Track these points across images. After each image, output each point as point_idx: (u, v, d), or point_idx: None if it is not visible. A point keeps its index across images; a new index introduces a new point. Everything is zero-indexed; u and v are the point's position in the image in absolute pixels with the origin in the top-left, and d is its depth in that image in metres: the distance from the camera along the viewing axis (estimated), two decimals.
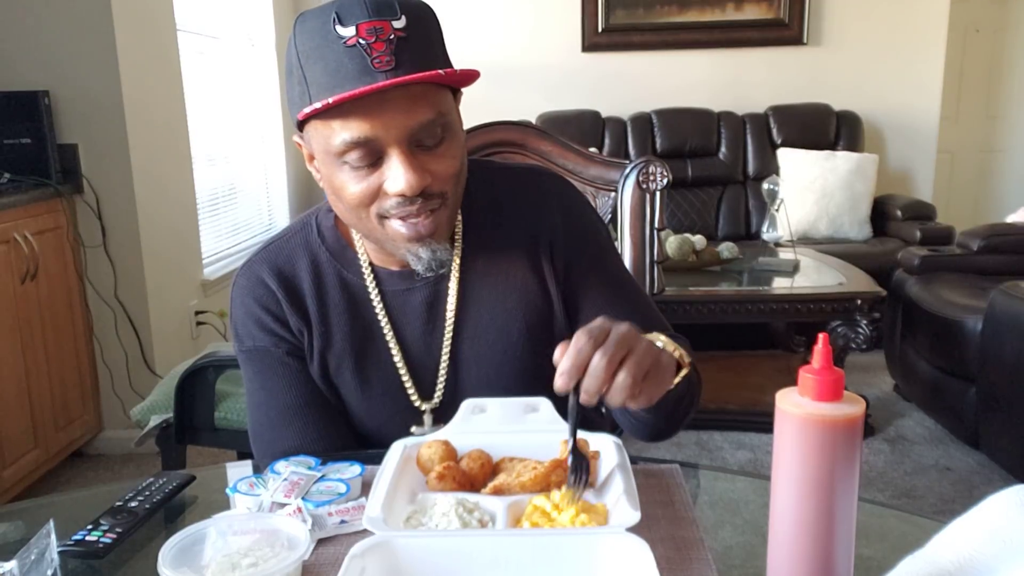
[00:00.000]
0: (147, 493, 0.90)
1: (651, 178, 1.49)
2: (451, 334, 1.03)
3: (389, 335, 1.03)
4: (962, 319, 2.71)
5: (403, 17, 0.86)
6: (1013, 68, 5.12)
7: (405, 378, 1.04)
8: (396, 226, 0.93)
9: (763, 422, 2.95)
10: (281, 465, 0.89)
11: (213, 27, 3.63)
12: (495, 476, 0.87)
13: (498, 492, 0.83)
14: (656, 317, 1.08)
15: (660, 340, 0.86)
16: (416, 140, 0.89)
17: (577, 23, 4.41)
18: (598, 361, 0.75)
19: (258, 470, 0.93)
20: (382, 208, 0.91)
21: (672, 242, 3.15)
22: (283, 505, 0.82)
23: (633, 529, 0.72)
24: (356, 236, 1.04)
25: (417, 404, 1.05)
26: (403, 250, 0.95)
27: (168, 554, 0.69)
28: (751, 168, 4.37)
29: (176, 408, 1.93)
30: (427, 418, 1.05)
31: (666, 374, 0.82)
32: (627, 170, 1.49)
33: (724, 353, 3.66)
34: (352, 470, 0.89)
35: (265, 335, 1.04)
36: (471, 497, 0.82)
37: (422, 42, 0.88)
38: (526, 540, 0.73)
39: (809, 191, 4.13)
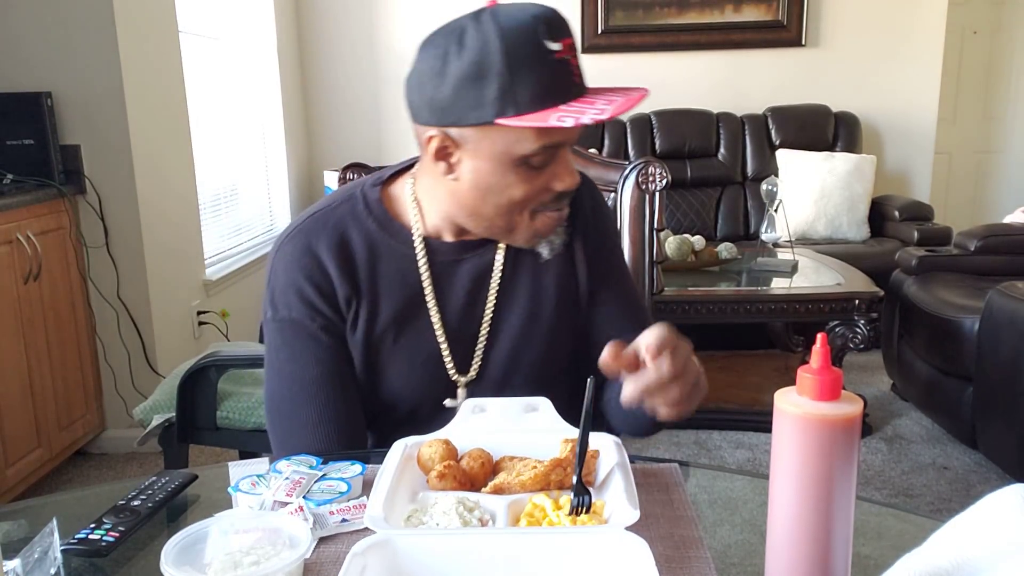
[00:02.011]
0: (149, 492, 0.91)
1: (650, 179, 1.49)
2: (493, 307, 1.07)
3: (432, 305, 1.06)
4: (959, 319, 2.72)
5: None
6: (1010, 69, 5.13)
7: (444, 348, 1.06)
8: (546, 220, 1.00)
9: (762, 421, 2.96)
10: (283, 464, 0.90)
11: (215, 28, 3.63)
12: (495, 475, 0.88)
13: (498, 491, 0.84)
14: (647, 314, 1.18)
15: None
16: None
17: (577, 25, 4.42)
18: (676, 384, 0.83)
19: (259, 463, 0.93)
20: (541, 203, 0.99)
21: (671, 242, 3.15)
22: (285, 504, 0.82)
23: (632, 528, 0.73)
24: (411, 205, 1.06)
25: (453, 377, 1.07)
26: (540, 239, 1.03)
27: (170, 552, 0.69)
28: (750, 169, 4.38)
29: (178, 407, 1.93)
30: (461, 392, 1.08)
31: (701, 398, 0.90)
32: (626, 171, 1.50)
33: (723, 353, 3.67)
34: (353, 469, 0.89)
35: (304, 307, 1.04)
36: (471, 496, 0.83)
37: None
38: (526, 539, 0.74)
39: (807, 192, 4.13)
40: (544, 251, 1.05)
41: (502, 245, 1.08)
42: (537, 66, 0.89)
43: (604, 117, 0.89)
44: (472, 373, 1.08)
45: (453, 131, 0.95)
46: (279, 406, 1.07)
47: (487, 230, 1.03)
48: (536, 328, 1.09)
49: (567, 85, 0.91)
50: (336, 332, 1.06)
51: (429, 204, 1.06)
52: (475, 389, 1.07)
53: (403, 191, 1.08)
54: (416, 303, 1.06)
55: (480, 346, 1.08)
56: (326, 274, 1.04)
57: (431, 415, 1.04)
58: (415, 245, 1.06)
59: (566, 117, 0.89)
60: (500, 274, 1.08)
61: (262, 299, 1.09)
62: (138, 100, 2.83)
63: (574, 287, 1.11)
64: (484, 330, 1.07)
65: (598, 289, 1.13)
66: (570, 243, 1.10)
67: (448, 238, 1.07)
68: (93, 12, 2.70)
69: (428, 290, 1.06)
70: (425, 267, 1.06)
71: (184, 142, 3.20)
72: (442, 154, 0.97)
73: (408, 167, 1.12)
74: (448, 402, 1.07)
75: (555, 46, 0.90)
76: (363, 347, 1.06)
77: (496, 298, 1.07)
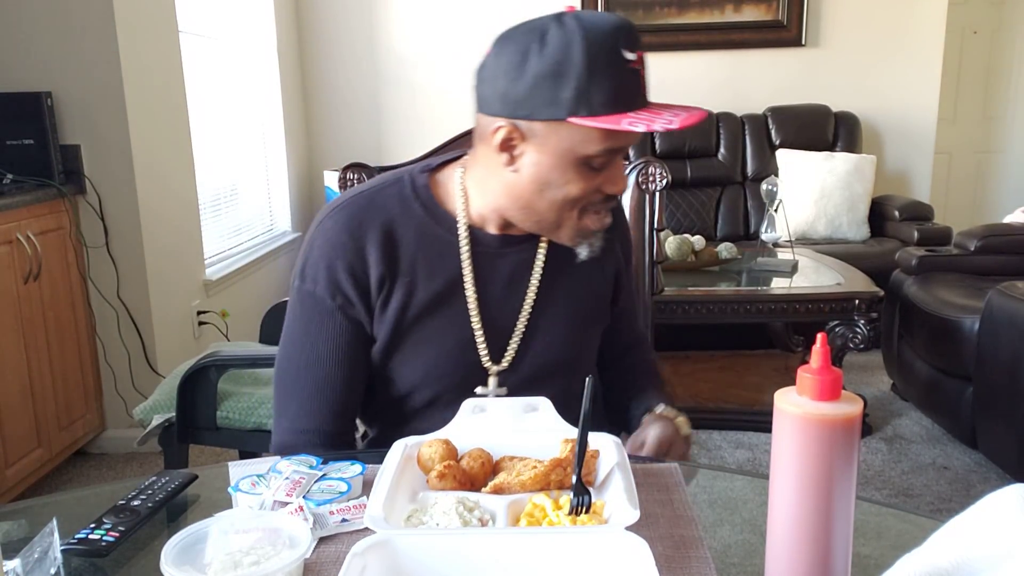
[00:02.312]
0: (149, 492, 0.91)
1: (650, 179, 1.49)
2: (532, 303, 1.11)
3: (470, 292, 1.09)
4: (959, 319, 2.72)
5: None
6: (1010, 69, 5.13)
7: (479, 335, 1.09)
8: (592, 222, 1.05)
9: (762, 421, 2.96)
10: (283, 464, 0.90)
11: (215, 29, 3.63)
12: (495, 475, 0.88)
13: (498, 491, 0.84)
14: (640, 319, 1.35)
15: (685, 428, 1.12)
16: None
17: None
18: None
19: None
20: (590, 203, 1.03)
21: (671, 242, 3.15)
22: (285, 504, 0.83)
23: (632, 528, 0.73)
24: (459, 195, 1.09)
25: (486, 365, 1.10)
26: (581, 239, 1.06)
27: (170, 552, 0.69)
28: (750, 169, 4.37)
29: (178, 407, 1.93)
30: (492, 380, 1.10)
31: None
32: (627, 171, 1.50)
33: (723, 353, 3.67)
34: (353, 469, 0.89)
35: (329, 284, 1.07)
36: (472, 496, 0.83)
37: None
38: (526, 539, 0.74)
39: (807, 192, 4.13)
40: (583, 251, 1.08)
41: (543, 245, 1.12)
42: (613, 72, 0.93)
43: (673, 127, 0.93)
44: (505, 364, 1.10)
45: (523, 124, 0.98)
46: (285, 370, 1.11)
47: (536, 224, 1.06)
48: (571, 329, 1.13)
49: (636, 94, 0.95)
50: (354, 316, 1.08)
51: (478, 194, 1.08)
52: (506, 379, 1.10)
53: (451, 179, 1.11)
54: (454, 289, 1.08)
55: (515, 339, 1.11)
56: (362, 254, 1.06)
57: (455, 400, 1.06)
58: (459, 233, 1.09)
59: (637, 123, 0.92)
60: (540, 272, 1.11)
61: (295, 266, 1.13)
62: (138, 100, 2.83)
63: (602, 294, 1.19)
64: (521, 324, 1.11)
65: (624, 295, 1.23)
66: (600, 253, 1.13)
67: (491, 230, 1.10)
68: (93, 12, 2.70)
69: (468, 277, 1.08)
70: (467, 254, 1.08)
71: (184, 142, 3.20)
72: (507, 145, 1.00)
73: (457, 158, 1.14)
74: (480, 390, 1.09)
75: (631, 56, 0.94)
76: (394, 326, 1.08)
77: (536, 295, 1.11)
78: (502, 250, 1.10)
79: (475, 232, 1.10)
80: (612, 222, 1.14)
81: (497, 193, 1.05)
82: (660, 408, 1.14)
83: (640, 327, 1.34)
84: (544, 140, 0.98)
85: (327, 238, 1.08)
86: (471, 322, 1.08)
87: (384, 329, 1.08)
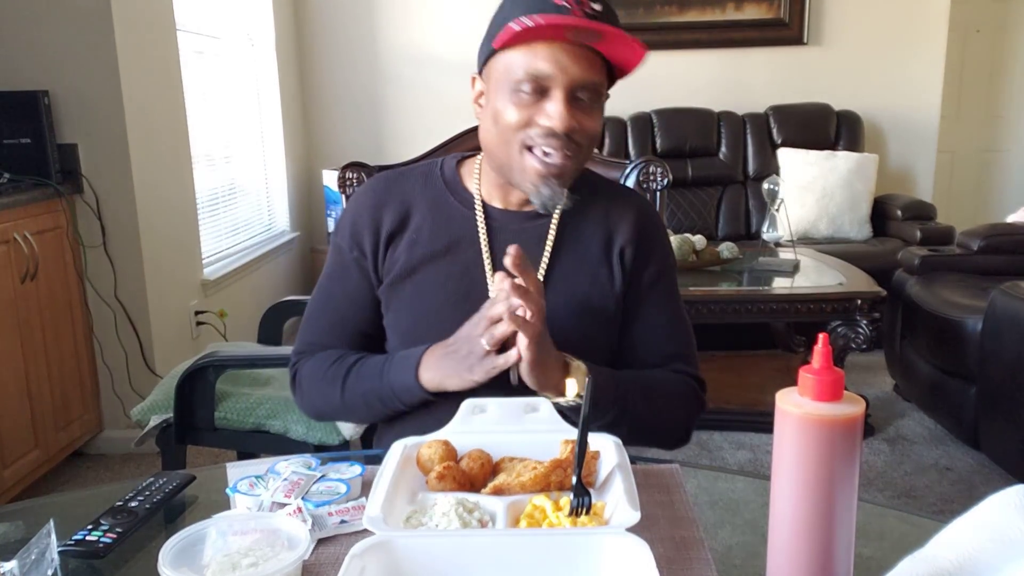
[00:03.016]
0: (147, 493, 0.91)
1: (651, 178, 1.49)
2: (543, 277, 1.15)
3: (486, 258, 1.16)
4: (962, 319, 2.72)
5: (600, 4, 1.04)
6: (1014, 68, 5.13)
7: (491, 290, 1.14)
8: (533, 161, 1.08)
9: (763, 422, 2.95)
10: (282, 465, 0.90)
11: (213, 27, 3.63)
12: (495, 476, 0.88)
13: (498, 492, 0.83)
14: (688, 350, 1.23)
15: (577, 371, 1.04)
16: (575, 93, 1.06)
17: None
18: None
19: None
20: (529, 136, 1.07)
21: (672, 242, 3.14)
22: (283, 505, 0.82)
23: (633, 529, 0.72)
24: (475, 175, 1.20)
25: None
26: (528, 183, 1.10)
27: (168, 554, 0.69)
28: (751, 168, 4.37)
29: (176, 408, 1.92)
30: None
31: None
32: (627, 170, 1.50)
33: (724, 353, 3.67)
34: (352, 470, 0.89)
35: (349, 237, 1.20)
36: (471, 497, 0.82)
37: (613, 17, 1.06)
38: (526, 540, 0.73)
39: (809, 191, 4.13)
40: (536, 202, 1.12)
41: (552, 229, 1.16)
42: (533, 5, 1.02)
43: (543, 22, 0.98)
44: None
45: (483, 73, 1.12)
46: (313, 301, 1.26)
47: (499, 168, 1.13)
48: (576, 316, 1.15)
49: (557, 7, 1.01)
50: (365, 269, 1.19)
51: (486, 171, 1.19)
52: None
53: (474, 163, 1.22)
54: (454, 249, 1.16)
55: None
56: (377, 214, 1.19)
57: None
58: (475, 206, 1.18)
59: (527, 23, 0.99)
60: (551, 251, 1.16)
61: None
62: (135, 99, 2.83)
63: (607, 293, 1.17)
64: None
65: (640, 304, 1.19)
66: (610, 246, 1.17)
67: (497, 204, 1.19)
68: (91, 11, 2.69)
69: (483, 244, 1.16)
70: (482, 222, 1.17)
71: (182, 141, 3.20)
72: (478, 97, 1.13)
73: None
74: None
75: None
76: (394, 273, 1.17)
77: (547, 269, 1.15)
78: (510, 225, 1.17)
79: (486, 206, 1.19)
80: (640, 231, 1.18)
81: (486, 156, 1.16)
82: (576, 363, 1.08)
83: (680, 348, 1.22)
84: (488, 77, 1.10)
85: (356, 199, 1.24)
86: (488, 288, 1.13)
87: (387, 277, 1.17)
